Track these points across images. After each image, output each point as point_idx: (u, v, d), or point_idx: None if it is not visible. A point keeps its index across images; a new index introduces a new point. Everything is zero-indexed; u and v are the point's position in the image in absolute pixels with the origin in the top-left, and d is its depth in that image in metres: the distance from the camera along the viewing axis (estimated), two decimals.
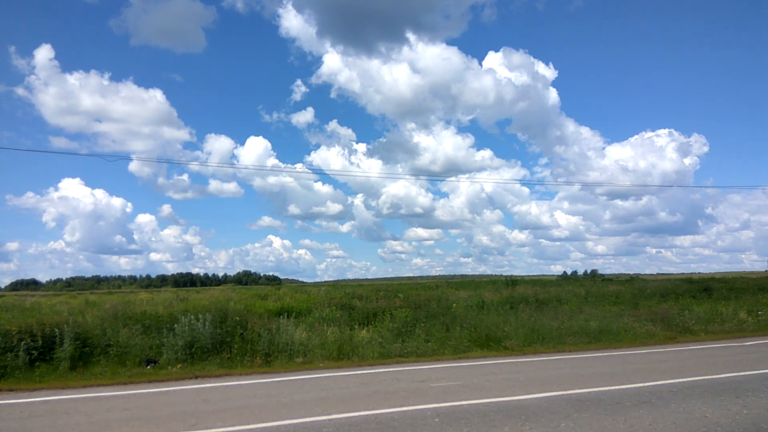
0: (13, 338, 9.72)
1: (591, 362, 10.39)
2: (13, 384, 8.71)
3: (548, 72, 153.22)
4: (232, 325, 11.28)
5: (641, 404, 6.72)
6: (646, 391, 7.50)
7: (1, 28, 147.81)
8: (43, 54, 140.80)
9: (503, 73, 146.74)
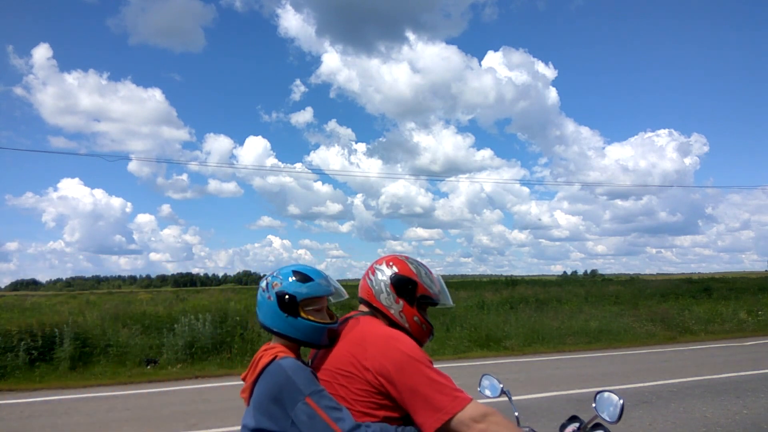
0: (13, 338, 9.71)
1: (591, 362, 10.39)
2: (13, 384, 8.71)
3: (548, 71, 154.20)
4: (232, 325, 11.28)
5: (641, 404, 6.71)
6: (646, 391, 7.50)
7: None
8: (41, 53, 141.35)
9: (503, 72, 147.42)
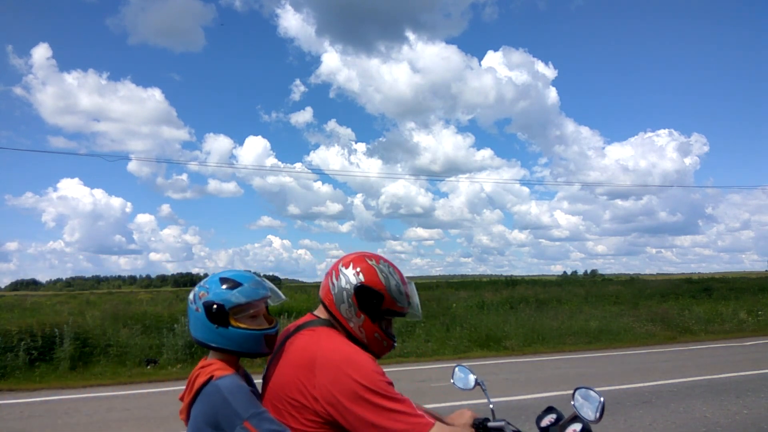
0: (13, 338, 9.71)
1: (591, 362, 10.39)
2: (13, 384, 8.71)
3: (548, 71, 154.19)
4: None
5: (641, 404, 6.71)
6: (646, 391, 7.50)
7: None
8: (41, 53, 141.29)
9: (503, 72, 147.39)
